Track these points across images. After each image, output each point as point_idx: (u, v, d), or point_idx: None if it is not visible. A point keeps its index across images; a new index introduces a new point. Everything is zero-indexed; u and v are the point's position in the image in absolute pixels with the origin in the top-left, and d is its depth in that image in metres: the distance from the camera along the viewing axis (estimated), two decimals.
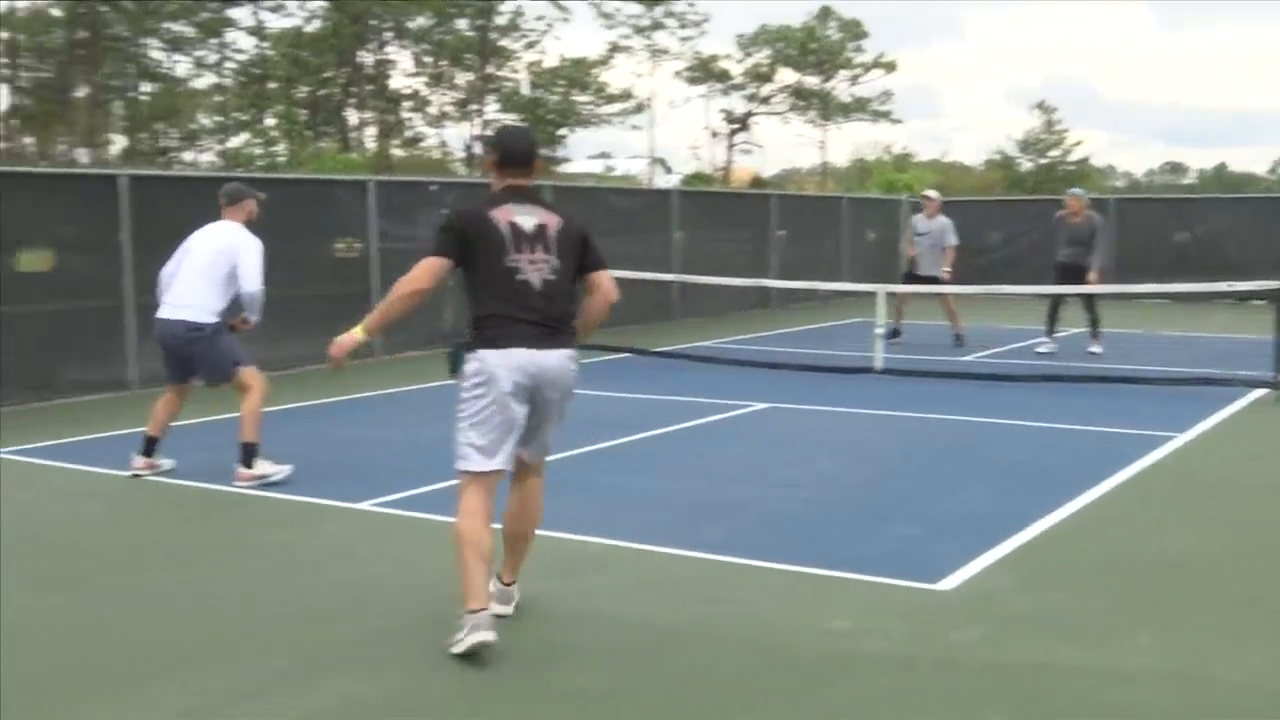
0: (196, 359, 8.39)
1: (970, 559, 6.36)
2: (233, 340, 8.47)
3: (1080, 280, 14.80)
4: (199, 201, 13.25)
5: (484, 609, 4.99)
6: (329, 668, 4.99)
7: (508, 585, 5.57)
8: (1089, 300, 15.18)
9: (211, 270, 8.29)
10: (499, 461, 5.17)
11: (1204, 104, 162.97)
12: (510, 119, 58.57)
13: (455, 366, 9.46)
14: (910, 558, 6.51)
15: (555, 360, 5.25)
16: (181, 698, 4.67)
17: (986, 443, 9.74)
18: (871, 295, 14.63)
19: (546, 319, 5.22)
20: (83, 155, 52.17)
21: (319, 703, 4.63)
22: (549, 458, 5.62)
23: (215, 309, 8.30)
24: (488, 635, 4.93)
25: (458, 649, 4.96)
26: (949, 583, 6.02)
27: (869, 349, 13.75)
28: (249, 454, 8.28)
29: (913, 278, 16.53)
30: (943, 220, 16.52)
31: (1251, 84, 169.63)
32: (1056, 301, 15.38)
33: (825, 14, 60.62)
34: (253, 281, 8.31)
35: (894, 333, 16.09)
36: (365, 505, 7.63)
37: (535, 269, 5.23)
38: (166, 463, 8.60)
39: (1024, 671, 4.93)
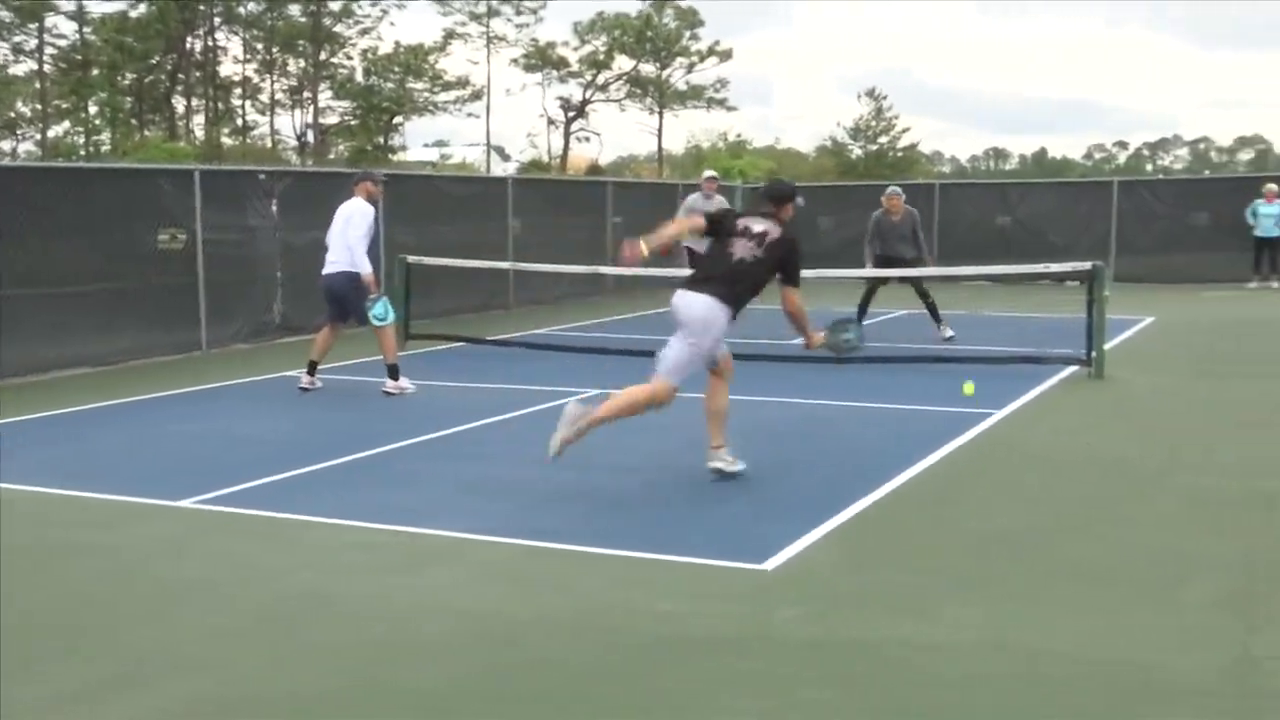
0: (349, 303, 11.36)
1: (796, 538, 6.50)
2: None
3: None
4: (13, 193, 12.87)
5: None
6: (164, 669, 4.89)
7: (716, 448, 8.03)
8: (919, 288, 15.23)
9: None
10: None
11: (1025, 92, 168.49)
12: (344, 106, 57.71)
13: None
14: (738, 539, 6.62)
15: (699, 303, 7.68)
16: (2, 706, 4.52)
17: (815, 424, 9.95)
18: None
19: (735, 277, 7.77)
20: None
21: (154, 705, 4.53)
22: None
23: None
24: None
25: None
26: (775, 562, 6.14)
27: None
28: (394, 371, 11.38)
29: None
30: (720, 199, 16.57)
31: (1068, 72, 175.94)
32: (873, 289, 15.56)
33: (661, 2, 60.91)
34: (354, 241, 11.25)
35: None
36: (188, 503, 7.46)
37: (743, 250, 7.82)
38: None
39: (846, 647, 5.06)
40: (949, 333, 15.08)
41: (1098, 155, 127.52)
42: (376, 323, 11.26)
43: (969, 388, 9.60)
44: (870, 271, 15.24)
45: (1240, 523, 6.88)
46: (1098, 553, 6.38)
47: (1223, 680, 4.68)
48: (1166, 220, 24.70)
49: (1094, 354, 12.00)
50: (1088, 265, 12.46)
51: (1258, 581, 5.86)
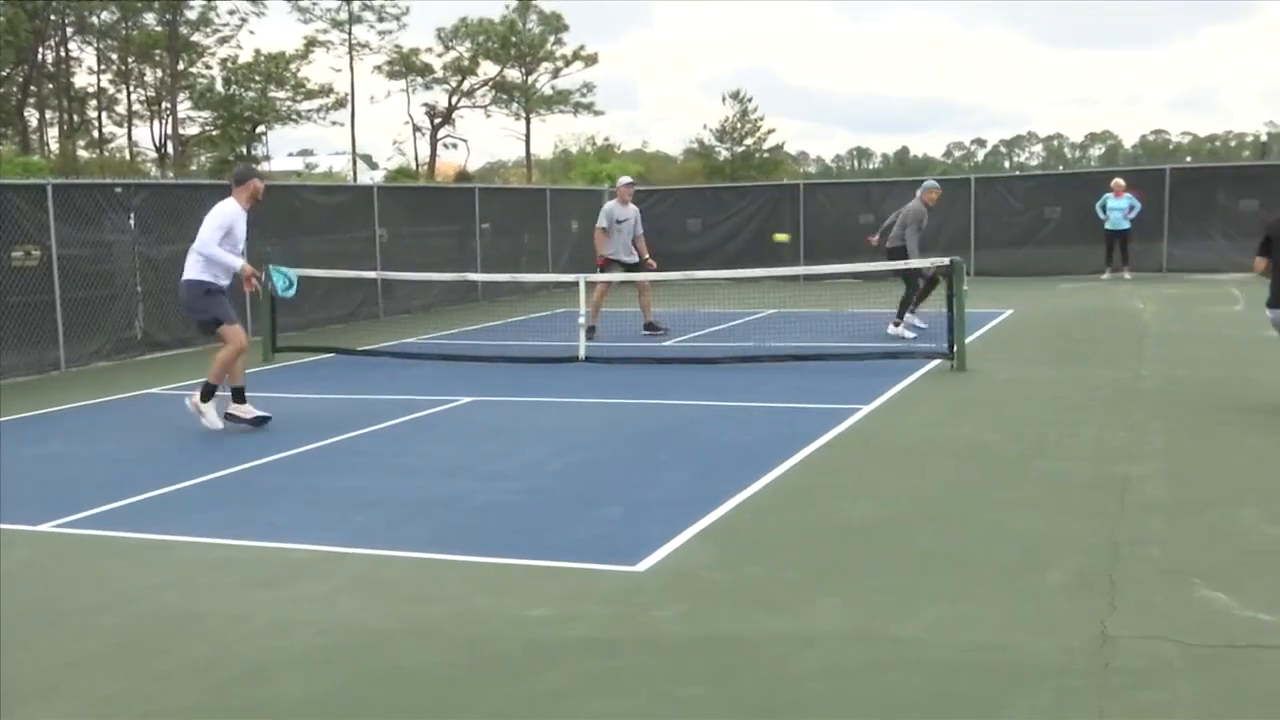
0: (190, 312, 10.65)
1: (669, 539, 6.55)
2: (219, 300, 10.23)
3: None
4: None
5: None
6: (24, 697, 4.75)
7: None
8: (919, 280, 15.22)
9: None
10: None
11: (886, 92, 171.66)
12: (204, 116, 56.64)
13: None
14: (612, 541, 6.65)
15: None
16: None
17: (686, 425, 10.02)
18: (575, 285, 14.81)
19: None
20: None
21: None
22: None
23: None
24: None
25: None
26: (649, 563, 6.18)
27: (574, 338, 13.93)
28: (207, 392, 10.21)
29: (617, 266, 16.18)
30: (634, 208, 16.43)
31: (927, 72, 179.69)
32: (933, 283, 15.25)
33: (525, 7, 60.88)
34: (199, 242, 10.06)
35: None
36: (47, 527, 7.27)
37: None
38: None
39: (720, 644, 5.12)
40: (909, 334, 15.04)
41: (957, 153, 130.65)
42: (284, 295, 12.29)
43: (781, 237, 9.72)
44: (740, 273, 15.32)
45: (1097, 506, 7.10)
46: (960, 540, 6.54)
47: (1081, 660, 4.83)
48: (1023, 215, 25.42)
49: (955, 348, 12.28)
50: (946, 260, 12.74)
51: (1114, 562, 6.05)
